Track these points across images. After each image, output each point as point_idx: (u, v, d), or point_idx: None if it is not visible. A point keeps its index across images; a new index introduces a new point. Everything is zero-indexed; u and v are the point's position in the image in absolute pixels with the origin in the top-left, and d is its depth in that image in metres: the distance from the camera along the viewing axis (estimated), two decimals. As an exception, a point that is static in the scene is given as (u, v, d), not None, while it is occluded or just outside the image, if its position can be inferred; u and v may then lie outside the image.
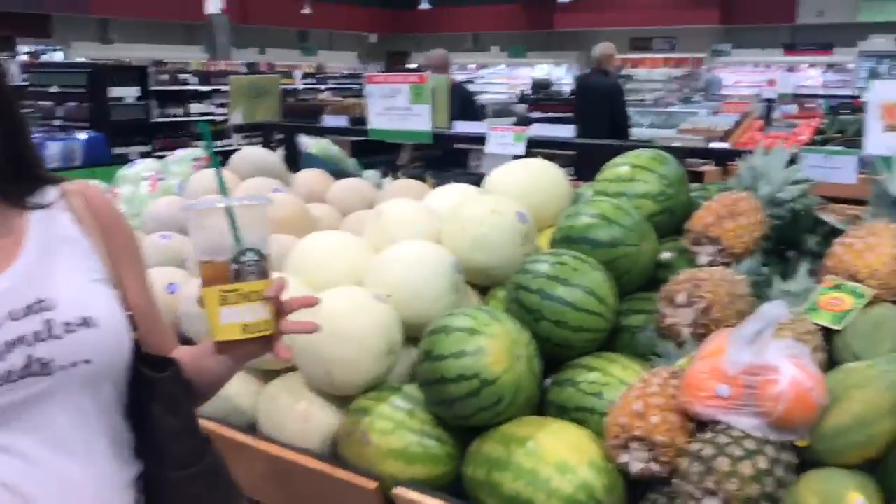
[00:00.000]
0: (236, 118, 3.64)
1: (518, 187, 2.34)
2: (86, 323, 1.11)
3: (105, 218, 1.24)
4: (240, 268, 1.14)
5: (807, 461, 1.38)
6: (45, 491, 1.07)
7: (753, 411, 1.38)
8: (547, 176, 2.39)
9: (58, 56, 15.32)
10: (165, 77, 11.56)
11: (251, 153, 3.14)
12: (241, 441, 1.82)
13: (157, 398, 1.18)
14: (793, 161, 2.13)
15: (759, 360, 1.38)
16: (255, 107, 3.73)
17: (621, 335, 1.90)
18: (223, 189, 1.22)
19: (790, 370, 1.36)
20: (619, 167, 2.22)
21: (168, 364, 1.21)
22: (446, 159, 5.16)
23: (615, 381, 1.70)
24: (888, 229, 1.79)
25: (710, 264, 1.91)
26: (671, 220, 2.13)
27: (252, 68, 13.88)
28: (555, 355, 1.81)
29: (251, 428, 1.93)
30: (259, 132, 4.16)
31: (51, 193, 1.20)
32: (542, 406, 1.80)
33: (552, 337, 1.77)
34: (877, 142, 2.09)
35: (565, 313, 1.76)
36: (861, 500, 1.22)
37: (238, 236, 1.14)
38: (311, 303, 1.24)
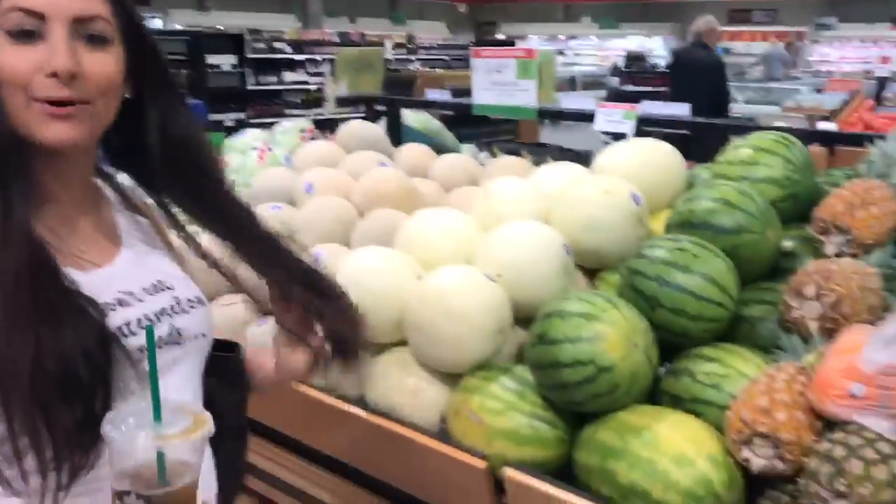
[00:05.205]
0: (341, 90, 3.68)
1: (630, 168, 2.28)
2: (199, 301, 1.21)
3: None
4: None
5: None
6: None
7: (888, 413, 1.32)
8: (661, 157, 2.31)
9: (157, 23, 15.72)
10: (261, 45, 11.80)
11: (357, 127, 3.17)
12: (351, 412, 1.85)
13: (219, 375, 1.26)
14: (930, 148, 2.00)
15: (898, 360, 1.32)
16: (358, 78, 3.77)
17: (741, 326, 1.83)
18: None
19: (933, 373, 1.29)
20: (740, 149, 2.13)
21: (234, 345, 1.31)
22: None
23: (735, 372, 1.64)
24: None
25: (838, 255, 1.83)
26: (794, 207, 2.04)
27: (344, 38, 13.99)
28: (670, 344, 1.76)
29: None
30: (356, 104, 4.18)
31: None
32: (655, 395, 1.76)
33: (669, 325, 1.73)
34: None
35: (684, 301, 1.71)
36: None
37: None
38: None
